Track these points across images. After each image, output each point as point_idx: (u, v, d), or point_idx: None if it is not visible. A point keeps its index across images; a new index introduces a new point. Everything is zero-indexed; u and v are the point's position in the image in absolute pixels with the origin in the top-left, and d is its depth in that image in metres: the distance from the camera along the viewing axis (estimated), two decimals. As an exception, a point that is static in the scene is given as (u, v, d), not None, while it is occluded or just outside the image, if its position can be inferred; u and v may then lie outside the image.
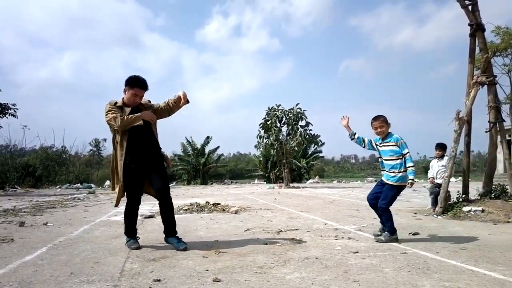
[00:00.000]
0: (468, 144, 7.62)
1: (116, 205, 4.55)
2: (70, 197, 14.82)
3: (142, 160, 4.31)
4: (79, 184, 29.85)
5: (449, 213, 6.93)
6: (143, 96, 4.46)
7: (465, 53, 7.70)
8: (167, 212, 4.36)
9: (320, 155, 44.81)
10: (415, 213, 7.53)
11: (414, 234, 5.07)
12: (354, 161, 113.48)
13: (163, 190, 4.32)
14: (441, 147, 7.91)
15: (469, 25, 7.51)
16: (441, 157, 7.88)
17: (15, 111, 20.10)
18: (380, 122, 4.64)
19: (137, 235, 4.53)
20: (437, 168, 7.89)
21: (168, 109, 4.56)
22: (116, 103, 4.37)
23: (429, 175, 8.16)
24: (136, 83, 4.32)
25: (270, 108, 25.87)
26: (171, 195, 4.40)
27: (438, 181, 7.69)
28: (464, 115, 7.29)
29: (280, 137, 25.68)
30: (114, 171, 4.37)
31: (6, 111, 19.83)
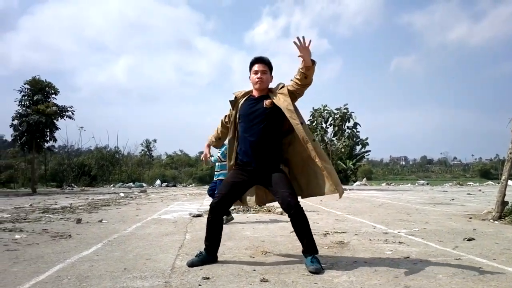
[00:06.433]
0: (529, 146, 7.16)
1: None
2: (122, 195, 15.46)
3: None
4: (131, 183, 31.04)
5: (506, 218, 6.57)
6: (266, 71, 3.59)
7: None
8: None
9: (368, 155, 43.62)
10: (470, 218, 7.18)
11: (469, 240, 4.82)
12: (404, 163, 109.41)
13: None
14: None
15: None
16: None
17: (72, 113, 21.23)
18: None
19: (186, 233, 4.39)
20: None
21: (298, 86, 3.50)
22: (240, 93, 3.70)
23: None
24: (254, 60, 3.63)
25: (315, 109, 25.64)
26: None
27: None
28: (525, 115, 6.86)
29: (325, 139, 25.39)
30: None
31: (64, 113, 20.98)
